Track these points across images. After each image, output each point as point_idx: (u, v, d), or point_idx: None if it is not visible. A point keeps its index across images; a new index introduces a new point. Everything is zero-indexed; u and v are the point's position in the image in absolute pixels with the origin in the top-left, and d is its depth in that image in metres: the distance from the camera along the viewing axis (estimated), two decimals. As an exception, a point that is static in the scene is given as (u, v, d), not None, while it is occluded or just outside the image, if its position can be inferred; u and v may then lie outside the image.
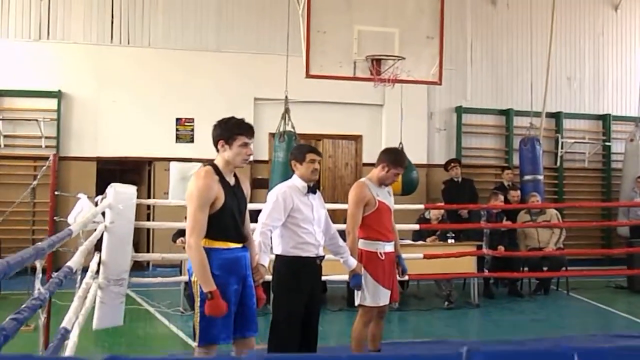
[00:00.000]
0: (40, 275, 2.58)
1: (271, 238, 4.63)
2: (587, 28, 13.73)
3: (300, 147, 5.09)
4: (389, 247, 5.18)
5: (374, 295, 5.06)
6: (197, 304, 3.91)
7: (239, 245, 4.03)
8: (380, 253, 5.10)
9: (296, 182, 4.77)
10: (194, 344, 4.05)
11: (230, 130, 3.99)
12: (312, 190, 4.78)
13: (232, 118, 4.06)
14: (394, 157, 5.26)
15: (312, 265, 4.72)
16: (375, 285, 5.05)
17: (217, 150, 4.03)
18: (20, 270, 2.38)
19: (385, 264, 5.12)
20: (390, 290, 5.15)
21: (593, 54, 13.76)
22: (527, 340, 6.74)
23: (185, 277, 7.02)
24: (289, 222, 4.64)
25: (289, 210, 4.62)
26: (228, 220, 3.95)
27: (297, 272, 4.65)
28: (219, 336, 3.93)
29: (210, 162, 4.02)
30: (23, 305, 2.33)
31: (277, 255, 4.72)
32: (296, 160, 4.80)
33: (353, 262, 4.95)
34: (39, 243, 2.63)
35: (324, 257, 4.81)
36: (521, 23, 12.93)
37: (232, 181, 4.03)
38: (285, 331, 4.63)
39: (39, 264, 2.55)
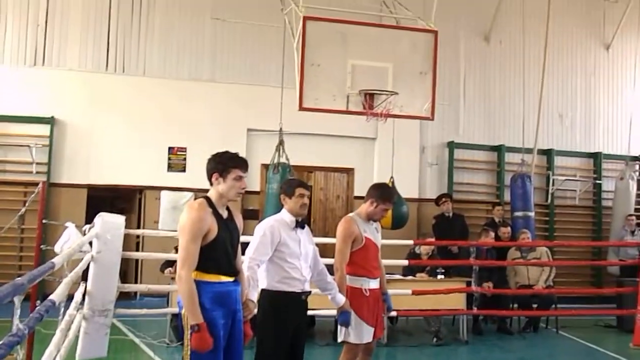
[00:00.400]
0: (19, 310, 2.55)
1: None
2: (579, 66, 13.89)
3: (289, 182, 5.07)
4: (374, 284, 5.15)
5: (358, 331, 5.01)
6: (187, 336, 3.85)
7: (231, 279, 4.00)
8: (365, 289, 5.07)
9: (284, 216, 4.76)
10: (182, 378, 3.98)
11: (225, 163, 4.00)
12: (300, 224, 4.76)
13: (227, 152, 4.07)
14: (382, 192, 5.25)
15: (298, 300, 4.67)
16: (359, 321, 5.00)
17: (211, 184, 4.03)
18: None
19: (370, 301, 5.09)
20: (374, 328, 5.10)
21: (585, 92, 13.89)
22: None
23: (172, 309, 6.97)
24: (276, 256, 4.61)
25: (276, 244, 4.60)
26: (220, 253, 3.93)
27: (282, 307, 4.61)
28: None
29: (204, 195, 4.02)
30: (0, 342, 2.30)
31: (262, 290, 4.66)
32: (285, 194, 4.80)
33: (341, 299, 4.92)
34: (18, 279, 2.60)
35: (310, 292, 4.77)
36: (514, 60, 13.08)
37: (225, 214, 4.02)
38: (269, 367, 4.57)
39: (17, 300, 2.52)
